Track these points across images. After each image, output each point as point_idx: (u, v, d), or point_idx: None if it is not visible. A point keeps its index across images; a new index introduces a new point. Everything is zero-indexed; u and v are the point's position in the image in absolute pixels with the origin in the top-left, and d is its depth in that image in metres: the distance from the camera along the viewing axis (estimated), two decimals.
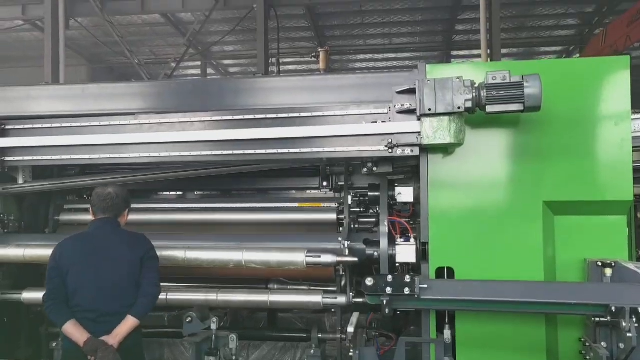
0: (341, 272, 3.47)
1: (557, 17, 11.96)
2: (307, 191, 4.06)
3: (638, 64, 9.63)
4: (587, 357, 2.76)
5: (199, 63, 14.47)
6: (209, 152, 3.21)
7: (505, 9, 10.80)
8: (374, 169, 3.20)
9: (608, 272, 2.77)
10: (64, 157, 3.40)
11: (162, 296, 3.50)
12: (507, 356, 2.97)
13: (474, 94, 2.77)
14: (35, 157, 3.44)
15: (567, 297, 2.64)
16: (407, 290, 2.72)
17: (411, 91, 2.93)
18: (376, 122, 3.00)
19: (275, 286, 3.80)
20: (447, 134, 2.83)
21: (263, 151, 3.14)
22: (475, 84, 2.81)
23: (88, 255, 3.07)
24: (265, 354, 3.97)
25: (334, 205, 3.76)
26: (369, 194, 3.53)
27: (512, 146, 3.01)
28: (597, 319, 2.62)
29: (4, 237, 3.80)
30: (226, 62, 15.29)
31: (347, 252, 3.32)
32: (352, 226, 3.60)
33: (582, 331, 2.92)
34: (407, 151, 2.97)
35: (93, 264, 3.05)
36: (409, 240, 3.25)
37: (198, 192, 4.28)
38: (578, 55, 13.11)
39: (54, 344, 3.79)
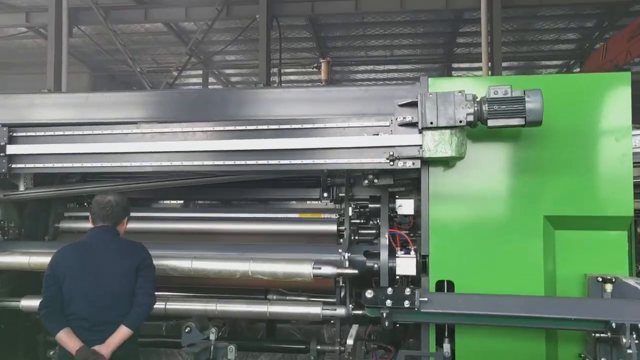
0: (341, 284, 3.46)
1: (557, 31, 12.04)
2: (308, 202, 4.06)
3: (638, 79, 9.66)
4: None
5: (200, 72, 14.55)
6: (210, 162, 3.22)
7: (506, 22, 10.88)
8: (375, 181, 3.19)
9: (608, 287, 2.77)
10: (67, 165, 3.41)
11: (161, 305, 3.51)
12: None
13: (476, 108, 2.79)
14: (38, 165, 3.45)
15: (568, 313, 2.65)
16: (407, 303, 2.73)
17: (413, 104, 2.95)
18: (378, 134, 3.01)
19: (275, 297, 3.78)
20: (448, 148, 2.84)
21: (265, 162, 3.15)
22: (477, 97, 2.82)
23: (85, 264, 3.07)
24: None
25: (334, 216, 3.75)
26: (370, 205, 3.54)
27: (513, 160, 3.02)
28: (598, 335, 2.63)
29: (3, 244, 3.79)
30: (228, 71, 15.37)
31: (347, 264, 3.32)
32: (352, 238, 3.59)
33: (582, 347, 2.91)
34: (409, 164, 2.98)
35: (89, 272, 3.05)
36: (409, 253, 3.24)
37: (198, 202, 4.28)
38: (578, 69, 13.19)
39: (51, 352, 3.76)
